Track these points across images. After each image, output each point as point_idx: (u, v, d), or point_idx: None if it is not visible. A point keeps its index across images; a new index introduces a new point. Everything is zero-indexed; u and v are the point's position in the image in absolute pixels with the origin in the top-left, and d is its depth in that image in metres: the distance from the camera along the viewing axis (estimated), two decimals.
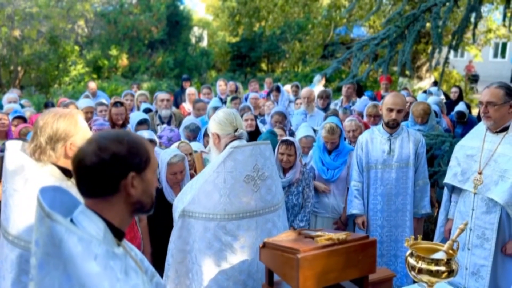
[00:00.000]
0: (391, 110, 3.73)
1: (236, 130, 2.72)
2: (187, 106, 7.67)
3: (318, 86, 8.44)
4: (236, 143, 2.61)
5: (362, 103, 5.95)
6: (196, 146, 4.39)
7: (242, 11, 18.75)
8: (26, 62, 16.01)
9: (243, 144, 2.62)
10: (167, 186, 3.52)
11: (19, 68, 16.27)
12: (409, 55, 4.55)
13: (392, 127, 3.79)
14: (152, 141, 4.34)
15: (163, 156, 3.71)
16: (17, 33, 15.44)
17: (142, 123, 5.05)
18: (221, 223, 2.56)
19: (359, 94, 7.80)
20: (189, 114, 7.07)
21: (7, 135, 5.00)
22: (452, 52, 5.28)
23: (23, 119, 5.66)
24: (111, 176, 1.33)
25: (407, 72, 13.19)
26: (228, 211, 2.56)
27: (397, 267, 3.88)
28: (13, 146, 2.09)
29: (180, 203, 2.68)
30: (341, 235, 2.30)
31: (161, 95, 6.15)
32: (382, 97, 7.26)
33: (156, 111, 6.42)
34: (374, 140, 3.83)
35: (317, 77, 8.85)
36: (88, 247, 1.21)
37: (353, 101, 6.64)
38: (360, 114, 5.73)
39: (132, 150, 1.37)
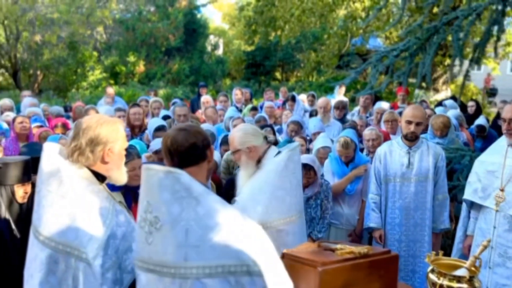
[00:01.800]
0: (410, 122, 3.70)
1: (265, 137, 2.80)
2: (201, 114, 7.72)
3: (338, 96, 8.41)
4: (291, 146, 2.69)
5: (381, 104, 5.99)
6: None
7: (258, 21, 18.85)
8: (45, 67, 16.31)
9: (295, 145, 2.73)
10: None
11: (38, 72, 16.58)
12: (430, 67, 4.51)
13: (411, 139, 3.76)
14: None
15: None
16: (37, 38, 15.76)
17: (160, 129, 5.09)
18: (295, 224, 2.66)
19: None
20: (204, 121, 7.12)
21: (28, 138, 5.08)
22: (469, 65, 5.22)
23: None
24: (204, 147, 1.96)
25: (424, 84, 13.10)
26: (298, 210, 2.68)
27: (414, 282, 3.82)
28: (50, 148, 2.13)
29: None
30: (363, 249, 2.27)
31: (179, 110, 5.92)
32: (399, 109, 7.20)
33: (174, 120, 6.50)
34: (393, 153, 3.79)
35: (338, 87, 8.84)
36: (205, 188, 1.71)
37: (370, 111, 6.61)
38: (379, 113, 5.73)
39: (204, 130, 2.04)
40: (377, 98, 7.88)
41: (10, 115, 6.15)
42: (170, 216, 1.64)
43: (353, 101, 10.41)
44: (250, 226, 1.72)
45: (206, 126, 5.88)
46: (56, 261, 2.01)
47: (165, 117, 6.49)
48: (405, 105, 7.74)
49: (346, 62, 17.99)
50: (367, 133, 4.57)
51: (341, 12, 16.92)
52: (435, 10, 8.37)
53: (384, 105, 6.07)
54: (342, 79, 14.95)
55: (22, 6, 14.89)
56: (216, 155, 4.54)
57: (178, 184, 1.65)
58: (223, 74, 19.79)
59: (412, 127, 3.68)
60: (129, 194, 3.12)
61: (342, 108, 6.34)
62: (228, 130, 5.88)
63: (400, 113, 4.66)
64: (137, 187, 3.16)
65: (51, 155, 2.11)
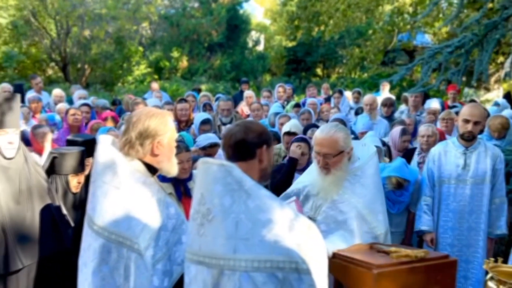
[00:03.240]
0: (467, 121, 3.53)
1: None
2: (245, 108, 7.76)
3: (383, 93, 8.19)
4: (372, 150, 2.68)
5: (431, 103, 5.75)
6: None
7: (301, 16, 18.64)
8: (93, 61, 16.85)
9: (375, 149, 2.74)
10: None
11: (86, 66, 17.17)
12: (487, 64, 4.28)
13: (468, 139, 3.58)
14: (216, 145, 4.42)
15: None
16: (86, 33, 16.31)
17: (205, 122, 5.19)
18: None
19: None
20: (247, 116, 7.14)
21: (79, 130, 5.26)
22: None
23: (89, 107, 6.06)
24: (253, 145, 1.90)
25: (474, 83, 12.54)
26: None
27: None
28: (105, 140, 2.18)
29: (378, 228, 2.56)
30: (419, 252, 2.18)
31: (223, 104, 6.15)
32: (449, 108, 6.92)
33: (218, 113, 6.59)
34: (448, 154, 3.63)
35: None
36: (256, 182, 1.74)
37: (421, 111, 6.36)
38: (430, 113, 5.52)
39: (265, 130, 1.97)
40: (425, 96, 7.59)
41: (65, 105, 6.45)
42: (221, 208, 1.68)
43: (398, 98, 10.10)
44: (302, 223, 1.70)
45: None
46: (109, 250, 2.04)
47: (205, 105, 6.82)
48: (456, 104, 7.43)
49: (391, 58, 17.48)
50: (422, 129, 4.36)
51: (388, 7, 16.42)
52: (490, 5, 7.95)
53: (434, 104, 5.83)
54: (386, 76, 14.58)
55: (73, 2, 15.43)
56: None
57: (230, 177, 1.69)
58: (264, 70, 19.76)
59: (469, 126, 3.50)
60: (179, 187, 3.16)
61: (389, 105, 6.14)
62: (273, 126, 5.84)
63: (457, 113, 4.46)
64: (186, 180, 3.22)
65: (106, 146, 2.15)
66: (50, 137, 4.40)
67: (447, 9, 13.27)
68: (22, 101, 7.55)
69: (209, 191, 1.73)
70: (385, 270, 2.04)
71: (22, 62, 15.97)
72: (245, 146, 1.89)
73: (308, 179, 2.64)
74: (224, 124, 6.09)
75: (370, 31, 17.44)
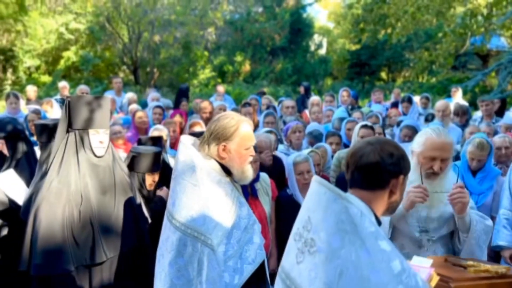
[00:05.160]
0: None
1: None
2: (309, 114, 7.76)
3: (455, 99, 7.80)
4: None
5: (510, 114, 5.39)
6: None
7: (367, 18, 18.24)
8: (161, 65, 17.66)
9: None
10: (297, 189, 3.58)
11: (155, 70, 18.01)
12: None
13: None
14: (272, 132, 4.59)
15: (288, 160, 3.81)
16: (156, 38, 17.11)
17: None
18: None
19: (500, 113, 6.95)
20: (309, 122, 7.14)
21: (146, 132, 5.53)
22: None
23: (161, 109, 6.37)
24: (388, 172, 1.58)
25: None
26: None
27: None
28: (186, 140, 2.31)
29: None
30: (500, 268, 2.07)
31: (287, 102, 6.40)
32: None
33: (281, 116, 6.65)
34: None
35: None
36: (377, 228, 1.42)
37: (496, 118, 5.99)
38: (508, 128, 5.18)
39: (405, 156, 1.63)
40: (504, 104, 7.11)
41: (137, 107, 6.90)
42: (328, 247, 1.42)
43: (471, 105, 9.57)
44: None
45: (314, 126, 5.90)
46: (185, 244, 2.14)
47: (268, 107, 6.99)
48: None
49: (462, 62, 16.59)
50: (498, 140, 4.11)
51: (460, 8, 15.57)
52: None
53: (508, 117, 5.44)
54: (457, 81, 13.85)
55: (144, 8, 16.27)
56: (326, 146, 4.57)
57: (345, 215, 1.41)
58: (325, 74, 19.59)
59: None
60: (246, 187, 3.22)
61: (462, 113, 5.84)
62: (338, 130, 5.80)
63: None
64: (254, 181, 3.30)
65: (187, 146, 2.27)
66: (123, 135, 4.72)
67: None
68: (177, 104, 8.14)
69: (317, 220, 1.47)
70: (463, 284, 1.96)
71: (96, 65, 17.08)
72: (377, 172, 1.58)
73: None
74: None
75: (440, 34, 16.67)
